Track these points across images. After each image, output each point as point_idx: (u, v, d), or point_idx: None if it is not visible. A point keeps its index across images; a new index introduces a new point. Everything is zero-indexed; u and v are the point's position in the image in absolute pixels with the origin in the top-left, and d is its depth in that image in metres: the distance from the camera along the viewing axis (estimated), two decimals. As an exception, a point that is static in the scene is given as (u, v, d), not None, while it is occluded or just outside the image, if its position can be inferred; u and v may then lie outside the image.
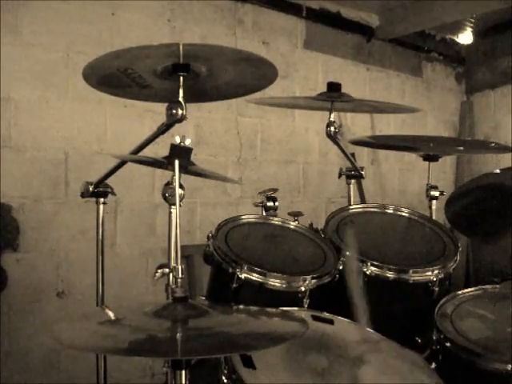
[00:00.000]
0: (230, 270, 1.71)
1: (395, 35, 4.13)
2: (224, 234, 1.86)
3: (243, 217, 1.98)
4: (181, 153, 1.54)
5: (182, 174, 1.55)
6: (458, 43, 4.61)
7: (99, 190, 1.87)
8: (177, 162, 1.48)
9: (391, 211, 2.17)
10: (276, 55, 3.52)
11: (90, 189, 1.86)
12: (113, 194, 1.91)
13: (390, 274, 1.81)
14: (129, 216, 2.94)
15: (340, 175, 2.34)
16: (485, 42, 4.55)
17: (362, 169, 2.30)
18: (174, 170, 1.49)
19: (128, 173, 2.42)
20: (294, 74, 3.65)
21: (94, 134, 2.84)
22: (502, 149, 2.44)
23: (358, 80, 4.01)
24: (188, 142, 1.58)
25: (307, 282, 1.72)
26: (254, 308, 1.46)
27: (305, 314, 1.61)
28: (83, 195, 1.88)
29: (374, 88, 4.12)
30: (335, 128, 2.15)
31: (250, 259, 1.74)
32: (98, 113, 2.84)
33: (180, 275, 1.41)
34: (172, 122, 1.52)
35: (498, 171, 1.76)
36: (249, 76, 1.57)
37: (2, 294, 2.56)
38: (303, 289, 1.71)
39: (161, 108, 1.55)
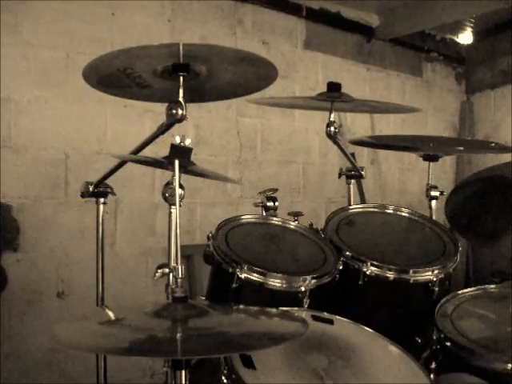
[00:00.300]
0: (230, 270, 1.71)
1: (395, 35, 4.13)
2: (224, 233, 1.85)
3: (243, 217, 1.98)
4: (181, 153, 1.54)
5: (182, 174, 1.55)
6: (458, 43, 4.61)
7: (99, 190, 1.87)
8: (177, 162, 1.48)
9: (391, 211, 2.17)
10: (276, 55, 3.52)
11: (90, 189, 1.86)
12: (113, 194, 1.91)
13: (390, 274, 1.81)
14: (129, 216, 2.94)
15: (340, 175, 2.34)
16: (485, 42, 4.55)
17: (362, 169, 2.30)
18: (174, 170, 1.49)
19: (128, 173, 2.43)
20: (294, 74, 3.65)
21: (94, 134, 2.84)
22: (502, 149, 2.44)
23: (358, 80, 4.01)
24: (188, 142, 1.58)
25: (307, 281, 1.71)
26: (253, 308, 1.46)
27: (305, 314, 1.61)
28: (83, 195, 1.88)
29: (374, 88, 4.12)
30: (335, 128, 2.15)
31: (250, 259, 1.73)
32: (98, 113, 2.84)
33: (180, 275, 1.40)
34: (172, 121, 1.52)
35: (495, 165, 1.76)
36: (249, 76, 1.57)
37: (2, 293, 2.56)
38: (303, 289, 1.71)
39: (161, 108, 1.55)
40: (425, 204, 2.29)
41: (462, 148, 2.53)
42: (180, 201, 1.51)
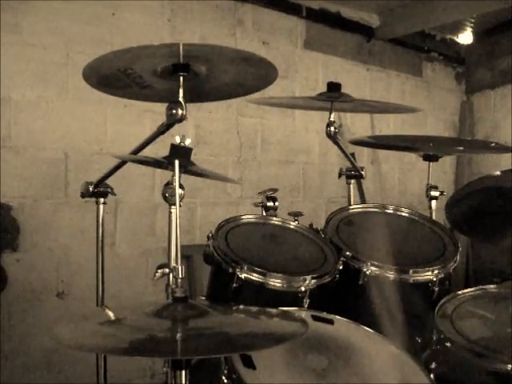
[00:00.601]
0: (230, 270, 1.71)
1: (395, 35, 4.13)
2: (224, 234, 1.85)
3: (243, 217, 1.98)
4: (181, 153, 1.54)
5: (182, 174, 1.55)
6: (458, 43, 4.61)
7: (99, 190, 1.87)
8: (177, 162, 1.48)
9: (391, 211, 2.17)
10: (276, 55, 3.52)
11: (90, 189, 1.86)
12: (113, 194, 1.91)
13: (390, 274, 1.81)
14: (129, 216, 2.94)
15: (340, 175, 2.34)
16: (485, 42, 4.54)
17: (362, 169, 2.30)
18: (174, 170, 1.49)
19: (128, 173, 2.42)
20: (294, 74, 3.65)
21: (93, 134, 2.84)
22: (502, 149, 2.44)
23: (358, 80, 4.01)
24: (188, 142, 1.58)
25: (307, 281, 1.71)
26: (253, 308, 1.46)
27: (305, 314, 1.61)
28: (83, 195, 1.88)
29: (374, 88, 4.12)
30: (335, 128, 2.15)
31: (250, 259, 1.74)
32: (98, 113, 2.84)
33: (180, 275, 1.40)
34: (172, 121, 1.52)
35: (498, 173, 1.76)
36: (249, 76, 1.57)
37: (2, 293, 2.56)
38: (303, 289, 1.71)
39: (161, 108, 1.55)
40: (425, 204, 2.29)
41: (461, 148, 2.53)
42: (180, 201, 1.51)
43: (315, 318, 1.58)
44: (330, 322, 1.60)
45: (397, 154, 4.20)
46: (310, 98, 2.18)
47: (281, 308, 1.50)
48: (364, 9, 3.96)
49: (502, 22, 4.24)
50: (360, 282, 1.79)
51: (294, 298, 1.70)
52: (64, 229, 2.74)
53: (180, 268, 1.41)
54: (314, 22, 3.73)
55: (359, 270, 1.80)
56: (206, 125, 3.24)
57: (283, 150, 3.61)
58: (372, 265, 1.80)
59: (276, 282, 1.70)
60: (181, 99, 1.48)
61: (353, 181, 2.33)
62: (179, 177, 1.50)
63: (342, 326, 1.59)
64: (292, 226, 2.02)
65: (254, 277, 1.70)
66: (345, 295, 1.84)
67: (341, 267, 1.82)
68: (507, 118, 4.36)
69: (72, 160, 2.76)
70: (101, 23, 2.84)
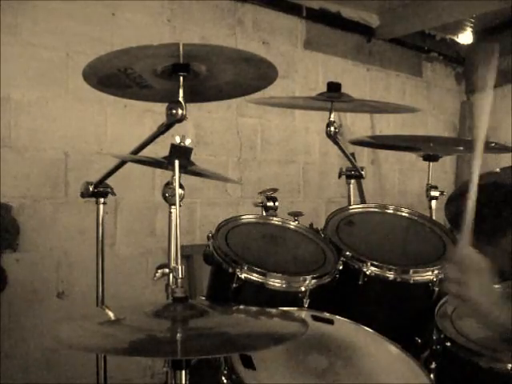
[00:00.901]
0: (230, 270, 1.70)
1: (395, 35, 4.13)
2: (224, 234, 1.85)
3: (243, 217, 1.98)
4: (181, 153, 1.53)
5: (182, 174, 1.55)
6: (458, 43, 4.61)
7: (99, 190, 1.87)
8: (177, 162, 1.48)
9: (391, 211, 2.17)
10: (276, 55, 3.52)
11: (90, 189, 1.86)
12: (113, 194, 1.91)
13: (390, 274, 1.81)
14: (129, 216, 2.94)
15: (340, 175, 2.34)
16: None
17: (362, 169, 2.30)
18: (173, 170, 1.49)
19: (128, 173, 2.42)
20: (294, 74, 3.65)
21: (93, 134, 2.84)
22: (502, 149, 2.44)
23: (358, 80, 4.01)
24: (188, 142, 1.58)
25: (307, 282, 1.71)
26: (253, 308, 1.46)
27: (305, 314, 1.61)
28: (83, 195, 1.88)
29: (374, 88, 4.12)
30: (335, 128, 2.15)
31: (250, 259, 1.73)
32: (98, 113, 2.84)
33: (180, 275, 1.40)
34: (172, 121, 1.52)
35: (497, 170, 1.76)
36: (249, 76, 1.57)
37: (2, 293, 2.56)
38: (303, 289, 1.71)
39: (161, 108, 1.55)
40: (425, 204, 2.29)
41: (461, 148, 2.52)
42: (180, 201, 1.51)
43: (315, 318, 1.59)
44: (330, 322, 1.60)
45: (397, 154, 4.20)
46: (310, 98, 2.18)
47: (281, 308, 1.50)
48: (364, 9, 3.96)
49: (502, 22, 4.24)
50: (360, 282, 1.79)
51: (293, 298, 1.70)
52: (64, 229, 2.74)
53: (180, 268, 1.41)
54: (314, 22, 3.73)
55: (359, 270, 1.80)
56: (206, 125, 3.24)
57: (283, 150, 3.61)
58: (372, 265, 1.80)
59: (276, 282, 1.70)
60: (181, 99, 1.48)
61: (353, 181, 2.33)
62: (179, 177, 1.50)
63: (342, 326, 1.59)
64: (292, 226, 2.02)
65: (254, 277, 1.70)
66: (345, 295, 1.84)
67: (341, 267, 1.82)
68: (507, 118, 4.35)
69: (72, 160, 2.76)
70: (101, 23, 2.84)
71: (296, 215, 2.06)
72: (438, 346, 1.56)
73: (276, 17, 3.56)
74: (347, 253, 1.85)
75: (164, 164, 1.59)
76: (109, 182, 1.88)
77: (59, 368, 2.70)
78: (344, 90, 2.10)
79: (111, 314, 1.45)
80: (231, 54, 1.53)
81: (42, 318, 2.62)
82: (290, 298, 1.71)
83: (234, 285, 1.69)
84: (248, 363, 1.32)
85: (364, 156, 4.00)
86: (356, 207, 2.20)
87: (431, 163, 2.27)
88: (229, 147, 3.36)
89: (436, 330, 1.58)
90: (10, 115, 2.60)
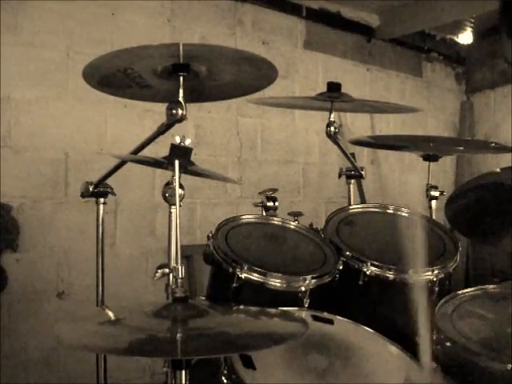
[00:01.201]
0: (230, 270, 1.70)
1: (395, 35, 4.13)
2: (224, 234, 1.85)
3: (243, 217, 1.98)
4: (181, 153, 1.53)
5: (182, 174, 1.55)
6: (458, 43, 4.61)
7: (99, 190, 1.87)
8: (177, 162, 1.48)
9: (391, 211, 2.17)
10: (276, 55, 3.52)
11: (90, 189, 1.86)
12: (113, 194, 1.91)
13: (390, 274, 1.81)
14: (129, 216, 2.94)
15: (340, 175, 2.34)
16: (485, 42, 4.54)
17: (362, 169, 2.30)
18: (174, 170, 1.49)
19: (128, 173, 2.42)
20: (294, 74, 3.65)
21: (93, 134, 2.84)
22: (502, 149, 2.43)
23: (358, 80, 4.01)
24: (188, 142, 1.58)
25: (307, 281, 1.71)
26: (253, 308, 1.46)
27: (305, 313, 1.61)
28: (83, 195, 1.88)
29: (374, 88, 4.12)
30: (335, 128, 2.15)
31: (250, 259, 1.73)
32: (98, 113, 2.84)
33: (180, 275, 1.40)
34: (172, 121, 1.52)
35: (498, 170, 1.76)
36: (249, 76, 1.57)
37: (2, 293, 2.56)
38: (303, 289, 1.71)
39: (161, 108, 1.55)
40: (425, 204, 2.29)
41: (462, 148, 2.53)
42: (180, 201, 1.51)
43: (315, 318, 1.58)
44: (330, 322, 1.60)
45: (397, 154, 4.19)
46: (310, 97, 2.18)
47: (281, 308, 1.50)
48: (364, 9, 3.96)
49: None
50: (360, 282, 1.79)
51: (294, 298, 1.70)
52: (64, 229, 2.74)
53: (180, 268, 1.41)
54: (314, 22, 3.74)
55: (359, 270, 1.80)
56: (206, 125, 3.24)
57: (283, 150, 3.61)
58: (372, 265, 1.80)
59: (276, 282, 1.70)
60: (181, 99, 1.48)
61: (353, 181, 2.33)
62: (179, 177, 1.50)
63: (341, 326, 1.59)
64: (292, 226, 2.02)
65: (254, 277, 1.69)
66: (345, 295, 1.83)
67: (341, 267, 1.82)
68: (507, 118, 4.36)
69: (72, 160, 2.76)
70: (101, 23, 2.84)
71: (296, 215, 2.06)
72: (438, 346, 1.56)
73: (276, 17, 3.56)
74: (347, 253, 1.85)
75: (164, 164, 1.59)
76: (109, 182, 1.88)
77: (59, 368, 2.70)
78: (344, 89, 2.10)
79: (111, 314, 1.45)
80: (231, 54, 1.53)
81: (41, 318, 2.62)
82: (290, 297, 1.70)
83: (234, 285, 1.69)
84: (248, 363, 1.32)
85: (364, 156, 4.00)
86: (356, 207, 2.20)
87: (431, 163, 2.26)
88: (229, 147, 3.36)
89: (436, 330, 1.58)
90: (10, 115, 2.60)
